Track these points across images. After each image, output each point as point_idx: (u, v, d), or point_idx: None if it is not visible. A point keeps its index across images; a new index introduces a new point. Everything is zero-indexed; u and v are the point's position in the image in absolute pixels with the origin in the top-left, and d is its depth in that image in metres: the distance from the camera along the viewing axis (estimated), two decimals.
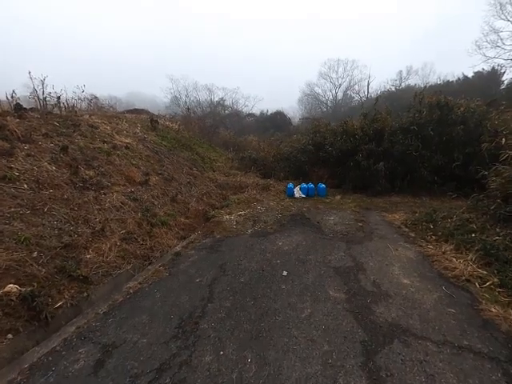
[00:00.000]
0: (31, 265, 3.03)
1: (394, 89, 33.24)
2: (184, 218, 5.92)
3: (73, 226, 3.94)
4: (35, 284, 2.84)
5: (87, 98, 10.85)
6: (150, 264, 4.14)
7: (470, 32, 29.60)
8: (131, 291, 3.28)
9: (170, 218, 5.58)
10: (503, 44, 22.71)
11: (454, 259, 3.98)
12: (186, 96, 33.79)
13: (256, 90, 66.92)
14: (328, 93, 41.96)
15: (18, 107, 5.98)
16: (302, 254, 4.33)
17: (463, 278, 3.51)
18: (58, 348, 2.41)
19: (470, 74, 26.52)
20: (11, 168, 4.13)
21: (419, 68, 37.39)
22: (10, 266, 2.87)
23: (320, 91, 42.05)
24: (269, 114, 31.02)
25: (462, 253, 4.14)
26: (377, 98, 10.51)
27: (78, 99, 9.94)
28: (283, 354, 2.27)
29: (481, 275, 3.49)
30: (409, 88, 31.54)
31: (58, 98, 6.70)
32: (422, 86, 25.37)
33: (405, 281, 3.45)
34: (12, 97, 6.27)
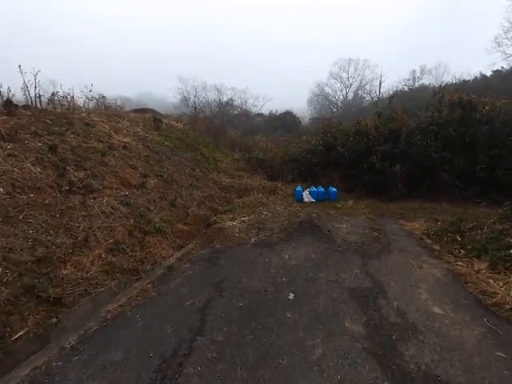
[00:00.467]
0: None
1: (406, 88, 32.22)
2: (182, 225, 5.43)
3: (51, 235, 3.48)
4: None
5: (95, 98, 10.63)
6: (138, 279, 3.65)
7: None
8: (109, 316, 2.79)
9: (167, 225, 5.10)
10: None
11: (492, 281, 3.37)
12: (195, 96, 33.46)
13: (266, 90, 66.25)
14: (338, 93, 41.07)
15: (8, 103, 5.60)
16: (311, 270, 3.78)
17: (507, 306, 2.91)
18: None
19: (489, 73, 25.41)
20: None
21: (433, 67, 35.96)
22: None
23: (330, 91, 41.18)
24: (278, 114, 30.37)
25: (500, 273, 3.53)
26: (392, 96, 9.92)
27: (86, 98, 9.77)
28: None
29: None
30: (422, 88, 30.54)
31: (53, 94, 6.30)
32: (437, 85, 24.40)
33: (436, 309, 2.87)
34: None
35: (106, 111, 10.06)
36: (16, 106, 5.82)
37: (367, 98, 37.73)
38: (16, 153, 4.36)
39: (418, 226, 5.71)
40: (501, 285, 3.26)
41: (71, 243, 3.53)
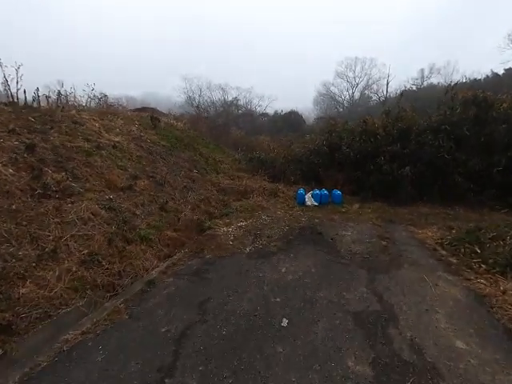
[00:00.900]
0: None
1: (415, 88, 31.42)
2: (172, 231, 4.99)
3: (13, 246, 3.06)
4: None
5: (96, 97, 10.36)
6: (112, 297, 3.21)
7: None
8: (65, 348, 2.34)
9: (154, 232, 4.66)
10: None
11: None
12: (200, 96, 33.09)
13: (270, 90, 65.77)
14: (344, 92, 40.36)
15: None
16: (310, 287, 3.30)
17: None
18: None
19: (501, 71, 24.56)
20: None
21: (442, 66, 35.02)
22: None
23: (336, 91, 40.50)
24: (282, 113, 29.85)
25: None
26: (401, 94, 9.32)
27: (88, 97, 9.58)
28: None
29: None
30: (431, 87, 29.72)
31: (37, 89, 5.92)
32: (445, 84, 23.65)
33: (458, 343, 2.37)
34: None
35: (106, 110, 9.72)
36: None
37: (374, 98, 36.98)
38: None
39: (430, 234, 5.18)
40: None
41: (36, 255, 3.11)
